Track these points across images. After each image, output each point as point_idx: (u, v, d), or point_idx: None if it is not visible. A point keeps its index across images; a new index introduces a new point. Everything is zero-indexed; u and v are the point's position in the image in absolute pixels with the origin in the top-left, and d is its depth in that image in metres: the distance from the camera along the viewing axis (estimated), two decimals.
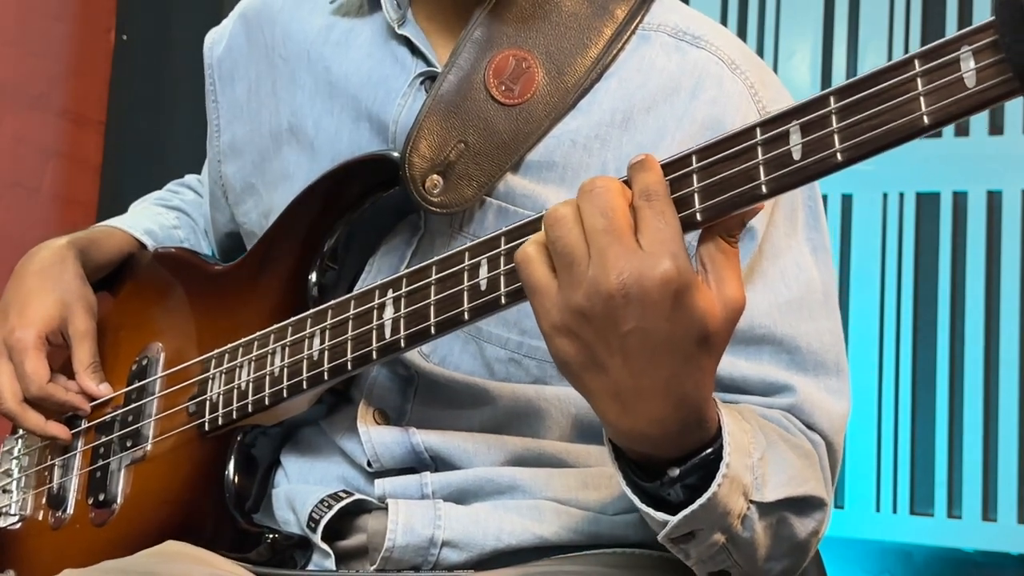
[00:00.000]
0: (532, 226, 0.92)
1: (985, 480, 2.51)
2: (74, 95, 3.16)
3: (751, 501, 0.92)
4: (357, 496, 1.06)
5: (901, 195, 2.64)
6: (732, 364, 1.04)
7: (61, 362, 1.27)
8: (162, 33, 3.09)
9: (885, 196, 2.65)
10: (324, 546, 1.05)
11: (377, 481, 1.06)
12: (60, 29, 3.12)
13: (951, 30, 2.54)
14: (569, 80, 1.07)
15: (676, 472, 0.88)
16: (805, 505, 0.98)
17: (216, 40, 1.29)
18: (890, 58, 2.64)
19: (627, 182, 0.84)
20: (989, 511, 2.50)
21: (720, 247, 0.84)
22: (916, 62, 0.76)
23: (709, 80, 1.08)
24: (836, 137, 0.78)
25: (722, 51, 1.10)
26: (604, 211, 0.81)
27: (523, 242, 0.89)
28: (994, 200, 2.56)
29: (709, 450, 0.88)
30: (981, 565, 2.52)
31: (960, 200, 2.59)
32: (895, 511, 2.55)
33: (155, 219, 1.38)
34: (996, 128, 2.55)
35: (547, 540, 1.05)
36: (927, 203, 2.63)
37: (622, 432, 0.87)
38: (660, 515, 0.89)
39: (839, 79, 2.71)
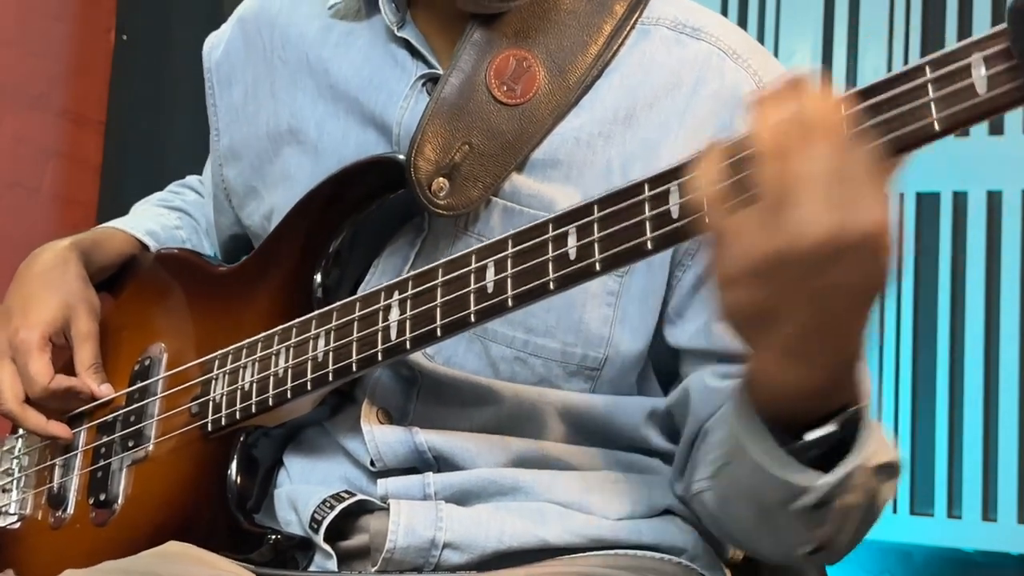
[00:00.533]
0: (539, 230, 0.92)
1: (985, 480, 2.51)
2: (74, 95, 3.16)
3: (871, 465, 0.88)
4: (359, 497, 1.06)
5: (901, 195, 2.64)
6: None
7: (63, 363, 1.27)
8: (162, 33, 3.09)
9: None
10: (326, 547, 1.05)
11: (380, 481, 1.06)
12: (60, 29, 3.12)
13: (951, 30, 2.55)
14: (571, 78, 1.07)
15: (825, 430, 0.84)
16: (892, 472, 0.94)
17: (214, 44, 1.29)
18: (890, 58, 2.65)
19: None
20: (989, 511, 2.50)
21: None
22: (927, 68, 0.76)
23: (710, 73, 1.08)
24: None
25: (722, 41, 1.10)
26: (832, 153, 0.75)
27: (532, 246, 0.89)
28: (994, 200, 2.56)
29: (860, 404, 0.85)
30: (981, 565, 2.52)
31: (960, 200, 2.59)
32: (895, 511, 2.55)
33: (157, 220, 1.38)
34: (996, 128, 2.55)
35: (549, 542, 1.05)
36: (927, 203, 2.63)
37: (785, 388, 0.83)
38: (805, 477, 0.85)
39: (839, 79, 2.72)
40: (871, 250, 0.76)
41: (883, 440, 0.91)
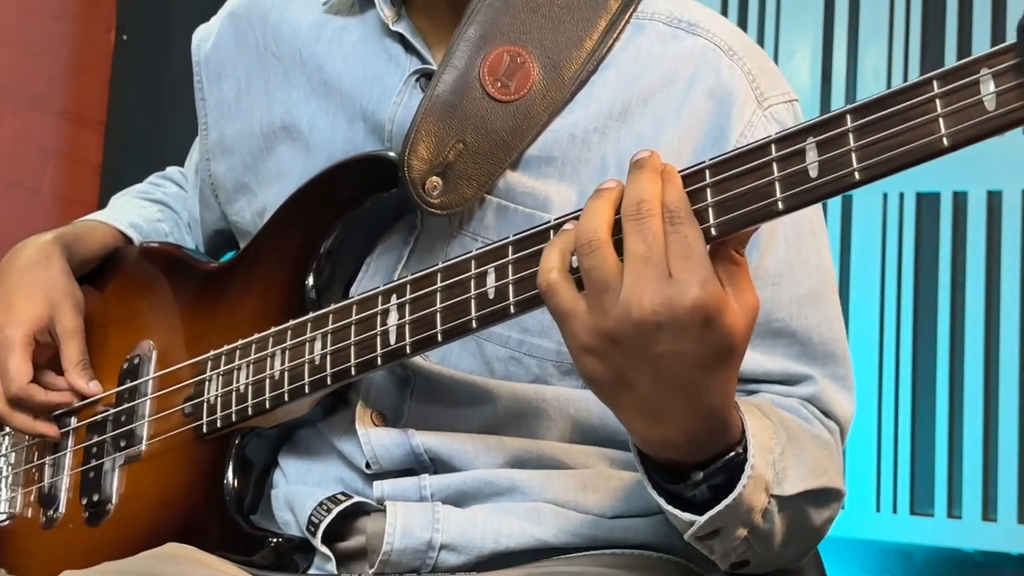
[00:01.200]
0: (541, 235, 0.92)
1: (985, 480, 2.51)
2: (74, 95, 3.17)
3: (772, 495, 0.93)
4: (356, 499, 1.06)
5: (901, 195, 2.64)
6: (749, 359, 1.03)
7: (48, 359, 1.26)
8: (162, 33, 3.10)
9: (885, 196, 2.65)
10: (325, 550, 1.05)
11: (375, 483, 1.06)
12: (60, 29, 3.13)
13: (951, 31, 2.55)
14: (565, 74, 1.07)
15: (700, 475, 0.91)
16: (823, 496, 1.00)
17: (204, 37, 1.28)
18: (890, 58, 2.65)
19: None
20: (989, 511, 2.50)
21: (733, 259, 0.85)
22: (935, 83, 0.75)
23: (706, 68, 1.08)
24: (854, 156, 0.78)
25: (718, 37, 1.09)
26: (646, 236, 0.82)
27: (533, 252, 0.89)
28: (994, 200, 2.56)
29: (732, 453, 0.91)
30: (981, 565, 2.52)
31: (960, 200, 2.59)
32: (895, 511, 2.55)
33: (139, 212, 1.37)
34: None
35: (546, 542, 1.04)
36: (927, 203, 2.63)
37: (650, 442, 0.91)
38: (687, 515, 0.92)
39: (839, 79, 2.72)
40: (700, 320, 0.81)
41: (813, 465, 0.98)
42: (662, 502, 0.93)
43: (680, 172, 0.85)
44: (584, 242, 0.85)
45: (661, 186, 0.84)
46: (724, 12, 2.80)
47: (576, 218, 0.88)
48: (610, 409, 0.90)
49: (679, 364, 0.83)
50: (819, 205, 1.09)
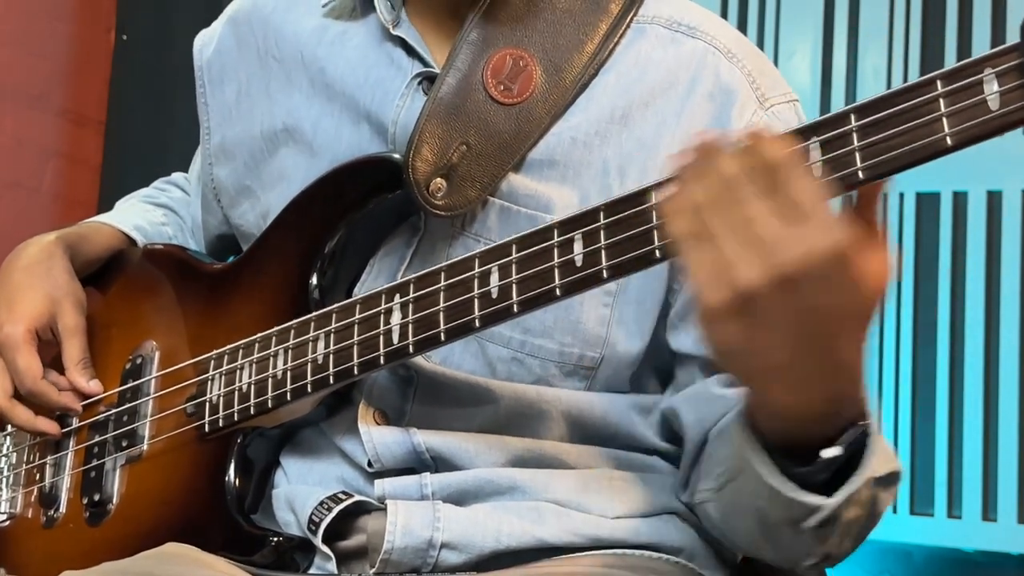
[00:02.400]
0: (543, 235, 0.92)
1: (985, 480, 2.51)
2: (74, 95, 3.17)
3: (871, 476, 0.90)
4: (357, 498, 1.06)
5: (901, 195, 2.64)
6: None
7: (50, 358, 1.26)
8: (162, 33, 3.10)
9: (885, 196, 2.64)
10: (325, 549, 1.05)
11: (377, 482, 1.06)
12: (60, 29, 3.13)
13: (951, 31, 2.55)
14: (567, 77, 1.07)
15: (838, 451, 0.86)
16: (893, 480, 0.96)
17: (205, 42, 1.29)
18: (890, 58, 2.65)
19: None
20: (989, 511, 2.50)
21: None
22: (938, 83, 0.76)
23: (706, 71, 1.08)
24: (857, 155, 0.79)
25: (718, 40, 1.10)
26: (757, 194, 0.78)
27: (536, 251, 0.90)
28: (994, 200, 2.57)
29: (862, 423, 0.86)
30: (981, 565, 2.52)
31: (960, 200, 2.60)
32: (895, 511, 2.55)
33: (143, 216, 1.37)
34: None
35: (546, 542, 1.04)
36: (927, 203, 2.63)
37: (787, 414, 0.85)
38: (817, 498, 0.87)
39: (839, 79, 2.72)
40: (843, 268, 0.77)
41: (886, 450, 0.93)
42: (789, 487, 0.87)
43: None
44: (697, 208, 0.80)
45: (753, 154, 0.79)
46: (724, 13, 2.80)
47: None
48: (742, 381, 0.86)
49: (826, 319, 0.79)
50: None
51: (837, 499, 0.86)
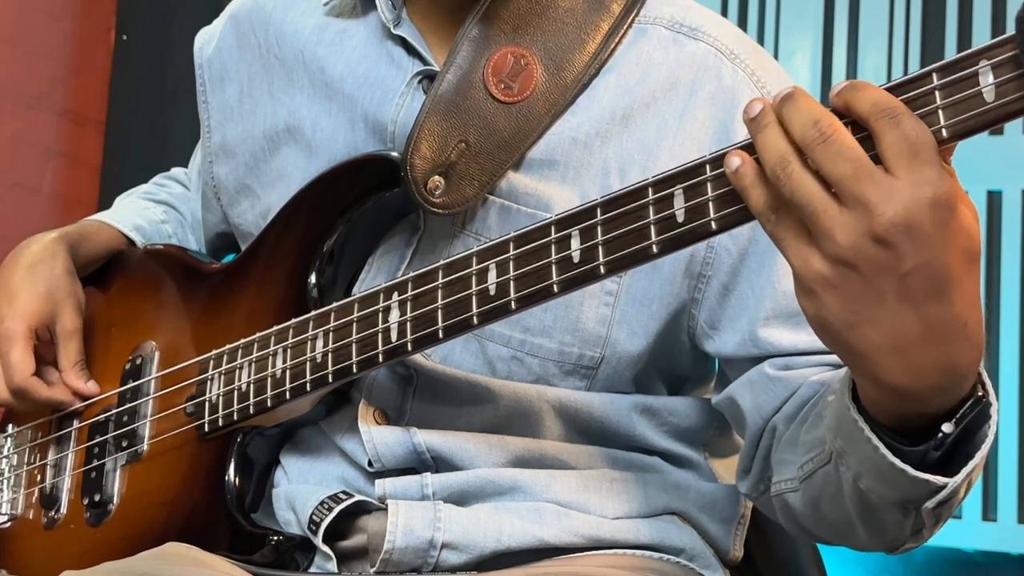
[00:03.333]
0: (541, 232, 0.92)
1: (985, 480, 2.51)
2: (74, 95, 3.16)
3: None
4: (357, 498, 1.06)
5: None
6: (779, 335, 1.02)
7: (50, 357, 1.26)
8: (162, 33, 3.10)
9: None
10: (326, 549, 1.05)
11: (377, 481, 1.06)
12: (60, 29, 3.13)
13: (951, 30, 2.55)
14: (568, 76, 1.07)
15: (950, 428, 0.80)
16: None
17: (206, 40, 1.28)
18: (890, 58, 2.65)
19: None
20: (989, 511, 2.50)
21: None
22: (934, 75, 0.75)
23: (708, 74, 1.07)
24: None
25: (720, 41, 1.09)
26: (844, 152, 0.73)
27: (534, 248, 0.89)
28: (994, 200, 2.56)
29: (981, 393, 0.81)
30: (981, 565, 2.52)
31: None
32: None
33: (143, 214, 1.37)
34: (996, 128, 2.54)
35: (547, 542, 1.04)
36: None
37: (900, 390, 0.78)
38: (938, 478, 0.81)
39: (839, 79, 2.72)
40: (943, 220, 0.73)
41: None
42: (908, 469, 0.81)
43: (685, 165, 0.82)
44: (780, 173, 0.76)
45: (846, 103, 0.75)
46: (724, 12, 2.80)
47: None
48: (847, 359, 0.80)
49: (934, 278, 0.74)
50: None
51: (962, 476, 0.81)
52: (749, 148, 0.80)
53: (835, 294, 0.75)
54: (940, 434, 0.80)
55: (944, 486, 0.81)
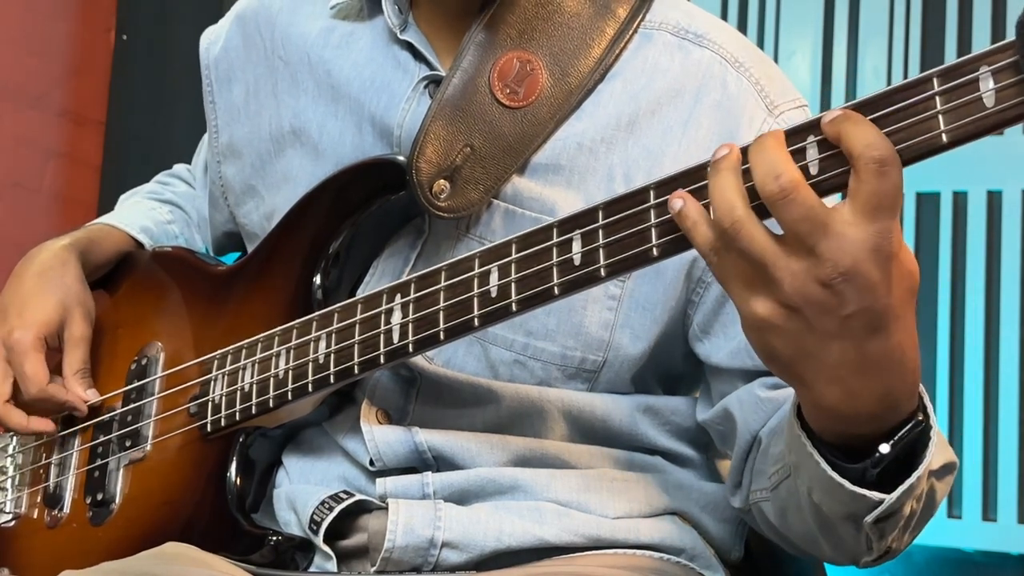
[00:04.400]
0: (543, 234, 0.92)
1: (985, 480, 2.51)
2: (74, 95, 3.16)
3: (929, 469, 0.89)
4: (358, 497, 1.06)
5: None
6: None
7: (54, 365, 1.26)
8: (162, 33, 3.09)
9: None
10: (326, 548, 1.05)
11: (378, 481, 1.06)
12: (60, 29, 3.12)
13: (951, 30, 2.55)
14: (573, 81, 1.07)
15: (887, 449, 0.84)
16: (949, 471, 0.96)
17: (212, 41, 1.29)
18: (890, 58, 2.65)
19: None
20: (989, 511, 2.50)
21: None
22: (935, 80, 0.76)
23: (713, 82, 1.08)
24: None
25: (725, 49, 1.09)
26: (802, 212, 0.76)
27: (536, 251, 0.90)
28: (994, 200, 2.57)
29: (916, 419, 0.85)
30: (981, 565, 2.52)
31: (960, 200, 2.60)
32: None
33: (149, 215, 1.38)
34: None
35: (547, 542, 1.05)
36: (927, 203, 2.63)
37: (841, 415, 0.83)
38: (875, 494, 0.85)
39: (839, 79, 2.72)
40: (885, 266, 0.76)
41: (941, 441, 0.91)
42: (846, 483, 0.85)
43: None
44: (728, 224, 0.78)
45: (786, 152, 0.78)
46: (724, 12, 2.80)
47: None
48: (794, 386, 0.84)
49: (873, 319, 0.78)
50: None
51: (897, 494, 0.85)
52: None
53: (779, 332, 0.79)
54: (877, 454, 0.85)
55: (881, 502, 0.85)
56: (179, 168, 1.49)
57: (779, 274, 0.77)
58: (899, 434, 0.85)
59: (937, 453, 0.88)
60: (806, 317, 0.78)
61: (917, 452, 0.86)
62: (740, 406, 1.06)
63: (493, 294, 0.94)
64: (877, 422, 0.84)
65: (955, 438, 2.55)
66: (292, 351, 1.07)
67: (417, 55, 1.11)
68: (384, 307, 1.02)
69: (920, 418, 0.85)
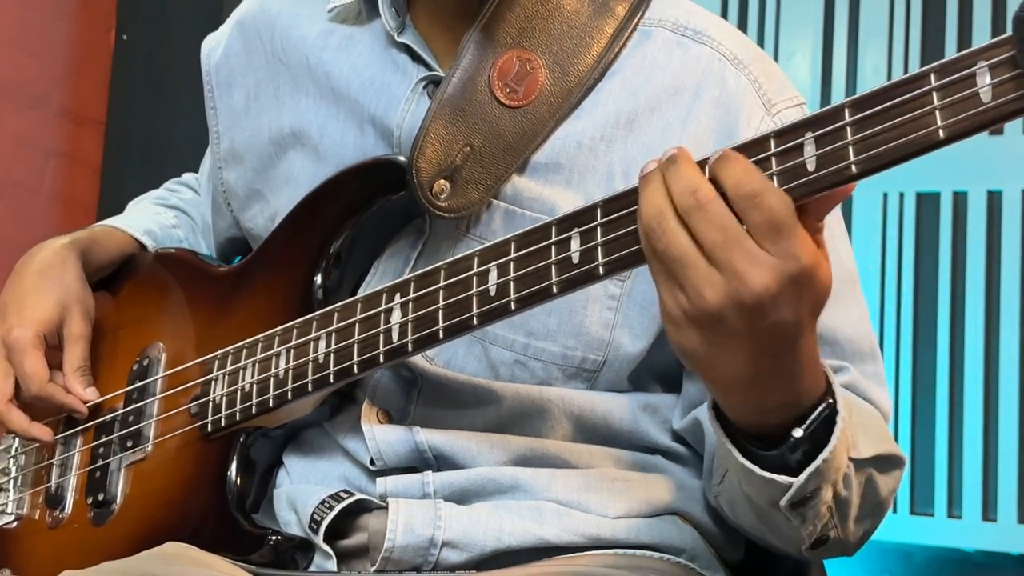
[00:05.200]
0: (541, 232, 0.92)
1: (985, 480, 2.51)
2: (74, 95, 3.16)
3: (850, 458, 0.93)
4: (358, 496, 1.06)
5: (901, 195, 2.64)
6: None
7: (56, 364, 1.26)
8: (162, 33, 3.09)
9: (885, 196, 2.65)
10: (326, 547, 1.05)
11: (379, 480, 1.07)
12: (60, 29, 3.12)
13: (951, 30, 2.55)
14: (572, 80, 1.07)
15: (800, 432, 0.89)
16: (888, 463, 1.00)
17: (213, 47, 1.29)
18: (890, 58, 2.65)
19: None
20: (989, 511, 2.50)
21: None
22: (932, 76, 0.76)
23: (712, 78, 1.08)
24: (851, 149, 0.79)
25: (724, 46, 1.09)
26: (716, 221, 0.81)
27: (535, 250, 0.90)
28: (994, 200, 2.56)
29: (827, 403, 0.89)
30: (981, 565, 2.52)
31: (960, 200, 2.59)
32: (895, 511, 2.55)
33: (154, 219, 1.38)
34: (996, 128, 2.54)
35: (548, 541, 1.05)
36: (927, 203, 2.63)
37: (747, 409, 0.89)
38: (784, 478, 0.90)
39: (839, 79, 2.72)
40: (802, 288, 0.81)
41: (875, 432, 0.96)
42: (756, 469, 0.90)
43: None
44: (651, 224, 0.83)
45: (714, 176, 0.82)
46: (724, 12, 2.80)
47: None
48: (703, 381, 0.89)
49: (786, 332, 0.83)
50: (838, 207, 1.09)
51: (803, 477, 0.89)
52: None
53: (698, 334, 0.83)
54: (791, 439, 0.89)
55: (790, 485, 0.89)
56: (188, 177, 1.50)
57: (701, 282, 0.81)
58: (811, 418, 0.89)
59: (867, 442, 0.94)
60: (723, 326, 0.82)
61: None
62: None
63: (492, 293, 0.94)
64: (787, 410, 0.88)
65: (955, 438, 2.55)
66: (292, 351, 1.07)
67: (415, 57, 1.12)
68: (384, 306, 1.02)
69: (830, 401, 0.89)
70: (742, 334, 0.82)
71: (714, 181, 0.82)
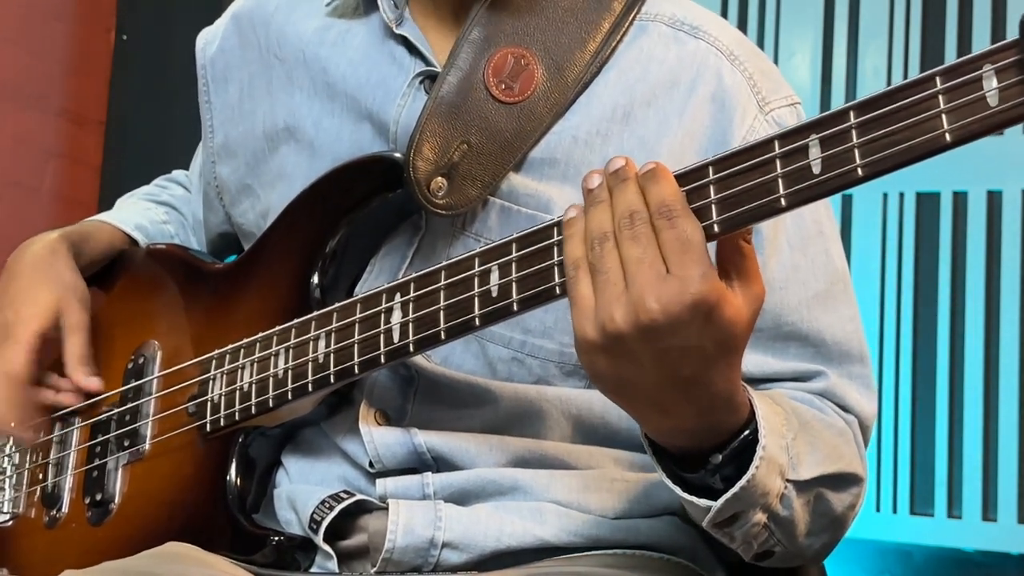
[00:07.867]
0: (543, 233, 0.92)
1: (985, 480, 2.51)
2: (74, 95, 3.16)
3: (788, 480, 0.94)
4: (358, 497, 1.06)
5: (901, 195, 2.64)
6: (762, 362, 1.06)
7: (54, 356, 1.26)
8: (162, 33, 3.10)
9: (885, 196, 2.66)
10: (327, 548, 1.05)
11: (378, 481, 1.06)
12: (60, 29, 3.12)
13: (951, 30, 2.55)
14: (568, 76, 1.07)
15: (719, 458, 0.91)
16: (841, 481, 1.01)
17: (209, 40, 1.29)
18: (890, 58, 2.65)
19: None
20: (989, 511, 2.50)
21: (740, 249, 0.86)
22: (938, 79, 0.76)
23: (708, 73, 1.08)
24: (856, 152, 0.79)
25: (720, 41, 1.10)
26: (639, 239, 0.84)
27: (536, 250, 0.91)
28: (994, 200, 2.57)
29: (747, 432, 0.92)
30: (981, 565, 2.52)
31: (960, 200, 2.60)
32: (895, 511, 2.55)
33: (145, 214, 1.38)
34: None
35: (548, 542, 1.05)
36: (927, 203, 2.63)
37: (662, 433, 0.92)
38: (703, 501, 0.92)
39: (839, 79, 2.72)
40: (701, 316, 0.82)
41: (829, 451, 0.98)
42: (678, 490, 0.93)
43: (683, 169, 0.86)
44: (595, 238, 0.86)
45: (643, 191, 0.85)
46: (724, 12, 2.80)
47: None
48: (619, 405, 0.92)
49: (683, 358, 0.84)
50: (829, 205, 1.09)
51: (720, 503, 0.91)
52: None
53: (605, 357, 0.86)
54: (710, 464, 0.92)
55: (709, 508, 0.92)
56: (178, 174, 1.49)
57: (614, 299, 0.84)
58: (730, 446, 0.91)
59: (814, 463, 0.97)
60: (626, 346, 0.84)
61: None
62: None
63: (494, 293, 0.94)
64: (705, 435, 0.91)
65: (955, 438, 2.55)
66: (291, 350, 1.07)
67: (412, 50, 1.12)
68: (384, 306, 1.02)
69: (746, 433, 0.92)
70: (642, 358, 0.84)
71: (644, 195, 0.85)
